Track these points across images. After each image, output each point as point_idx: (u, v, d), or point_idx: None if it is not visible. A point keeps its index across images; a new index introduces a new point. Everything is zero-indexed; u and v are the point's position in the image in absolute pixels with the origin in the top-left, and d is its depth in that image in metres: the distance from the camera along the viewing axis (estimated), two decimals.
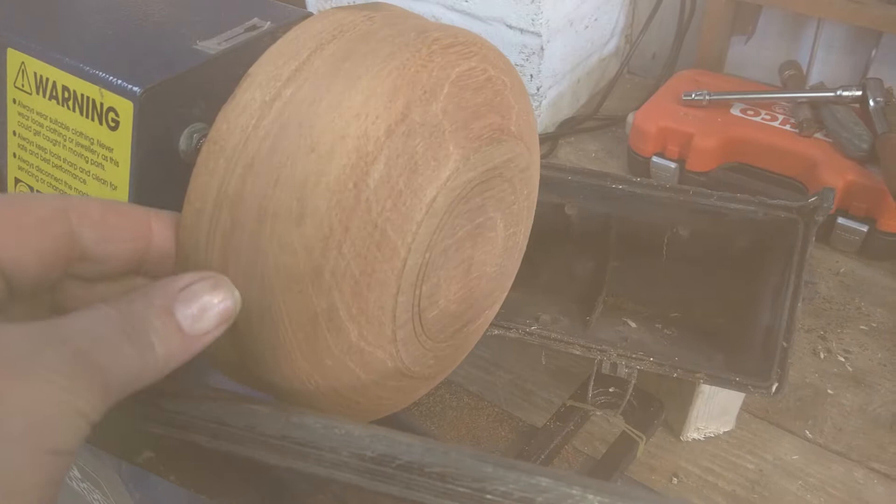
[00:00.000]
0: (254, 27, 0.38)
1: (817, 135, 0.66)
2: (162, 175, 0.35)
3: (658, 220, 0.52)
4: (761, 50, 0.83)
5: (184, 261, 0.26)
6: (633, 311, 0.54)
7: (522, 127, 0.32)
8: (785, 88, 0.74)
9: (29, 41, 0.37)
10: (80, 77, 0.35)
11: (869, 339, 0.57)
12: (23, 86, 0.38)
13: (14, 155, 0.40)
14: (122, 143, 0.35)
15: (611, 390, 0.48)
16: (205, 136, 0.36)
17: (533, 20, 0.73)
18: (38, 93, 0.37)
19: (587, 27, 0.82)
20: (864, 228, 0.62)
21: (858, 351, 0.56)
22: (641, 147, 0.72)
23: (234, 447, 0.26)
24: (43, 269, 0.24)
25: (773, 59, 0.80)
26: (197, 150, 0.36)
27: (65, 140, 0.37)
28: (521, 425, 0.52)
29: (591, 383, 0.47)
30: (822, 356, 0.56)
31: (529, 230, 0.37)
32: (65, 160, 0.37)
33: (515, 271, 0.37)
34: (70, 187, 0.38)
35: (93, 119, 0.35)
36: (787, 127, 0.68)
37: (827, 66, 0.80)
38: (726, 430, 0.51)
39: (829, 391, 0.54)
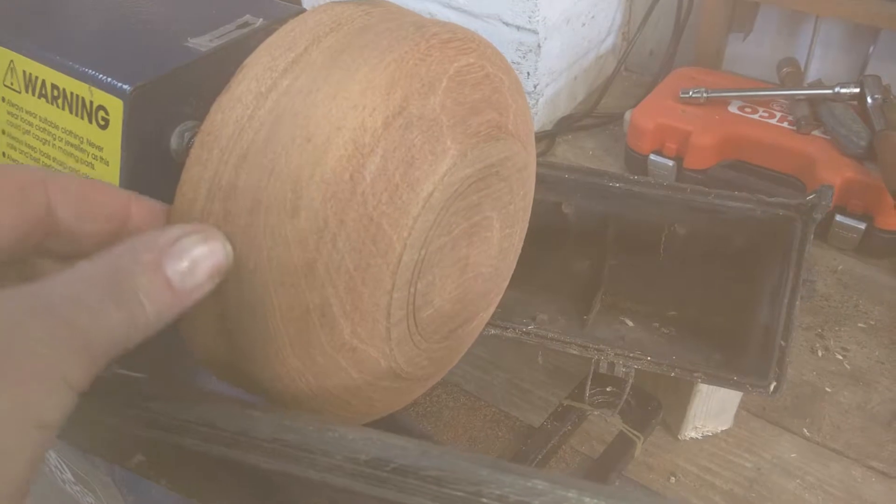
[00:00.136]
0: (246, 24, 0.37)
1: (815, 132, 0.66)
2: (153, 174, 0.35)
3: (655, 219, 0.52)
4: (759, 47, 0.83)
5: None
6: (630, 309, 0.54)
7: (520, 126, 0.32)
8: (783, 86, 0.73)
9: (18, 39, 0.37)
10: (70, 75, 0.35)
11: (867, 337, 0.57)
12: (12, 84, 0.37)
13: (3, 154, 0.39)
14: (112, 141, 0.34)
15: (608, 389, 0.47)
16: (195, 134, 0.35)
17: (530, 17, 0.73)
18: (27, 91, 0.37)
19: (584, 24, 0.81)
20: (862, 226, 0.62)
21: (856, 349, 0.56)
22: (639, 145, 0.71)
23: (226, 451, 0.26)
24: (17, 240, 0.23)
25: (770, 56, 0.80)
26: (188, 149, 0.35)
27: (54, 139, 0.37)
28: (518, 425, 0.52)
29: (589, 383, 0.47)
30: (820, 354, 0.56)
31: (525, 232, 0.37)
32: (54, 159, 0.37)
33: (510, 273, 0.37)
34: None
35: (82, 117, 0.35)
36: (785, 124, 0.67)
37: (825, 63, 0.80)
38: (724, 428, 0.51)
39: (828, 389, 0.54)
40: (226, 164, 0.25)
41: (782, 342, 0.43)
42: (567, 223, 0.54)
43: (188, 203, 0.25)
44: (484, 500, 0.22)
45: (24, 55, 0.36)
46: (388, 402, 0.31)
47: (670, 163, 0.70)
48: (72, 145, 0.36)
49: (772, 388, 0.42)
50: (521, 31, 0.75)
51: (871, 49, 0.75)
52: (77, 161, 0.36)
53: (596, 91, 0.86)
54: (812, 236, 0.46)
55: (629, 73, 0.91)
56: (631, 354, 0.46)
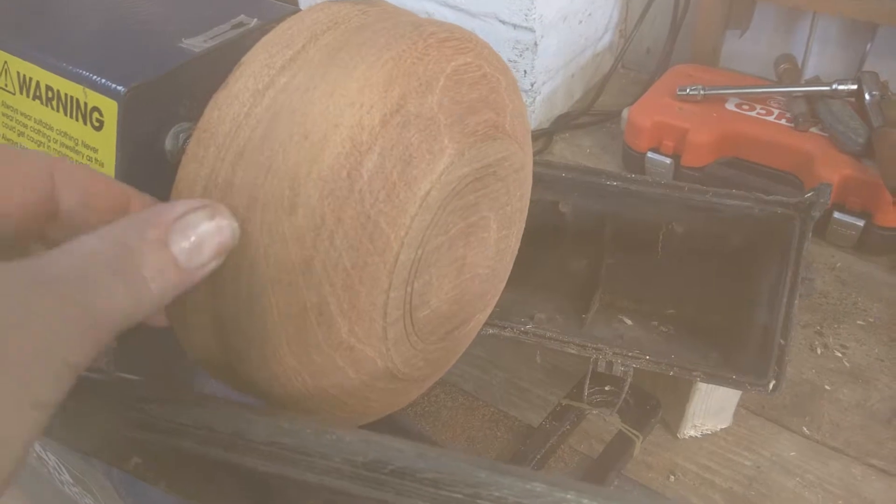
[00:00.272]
0: (240, 24, 0.37)
1: (813, 129, 0.66)
2: (148, 175, 0.35)
3: (653, 217, 0.52)
4: (756, 44, 0.83)
5: None
6: (628, 308, 0.54)
7: (517, 126, 0.32)
8: (780, 83, 0.73)
9: (11, 40, 0.37)
10: (64, 76, 0.35)
11: (866, 335, 0.57)
12: (6, 85, 0.37)
13: None
14: (106, 143, 0.34)
15: (607, 388, 0.47)
16: (191, 135, 0.35)
17: (526, 15, 0.72)
18: (21, 93, 0.37)
19: (581, 22, 0.81)
20: (861, 223, 0.62)
21: (856, 346, 0.56)
22: (636, 142, 0.71)
23: (224, 453, 0.25)
24: (21, 223, 0.23)
25: (768, 53, 0.80)
26: (183, 150, 0.35)
27: (49, 140, 0.37)
28: (516, 425, 0.52)
29: (587, 382, 0.47)
30: (818, 352, 0.56)
31: (521, 233, 0.37)
32: None
33: (507, 275, 0.37)
34: None
35: (77, 119, 0.35)
36: (783, 121, 0.67)
37: (822, 60, 0.80)
38: (723, 426, 0.51)
39: (827, 387, 0.53)
40: (222, 162, 0.24)
41: (781, 340, 0.43)
42: (564, 222, 0.54)
43: None
44: (482, 502, 0.22)
45: (17, 56, 0.36)
46: (384, 403, 0.31)
47: (668, 160, 0.70)
48: (66, 147, 0.36)
49: (771, 386, 0.42)
50: (517, 29, 0.74)
51: (869, 46, 0.74)
52: None
53: (593, 89, 0.86)
54: (810, 234, 0.46)
55: (626, 70, 0.91)
56: (629, 353, 0.46)
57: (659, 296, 0.53)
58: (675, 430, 0.51)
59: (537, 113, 0.80)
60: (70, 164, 0.25)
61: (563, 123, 0.82)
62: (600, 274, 0.54)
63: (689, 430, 0.51)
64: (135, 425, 0.27)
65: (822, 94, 0.67)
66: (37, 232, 0.24)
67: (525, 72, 0.77)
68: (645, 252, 0.53)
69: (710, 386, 0.47)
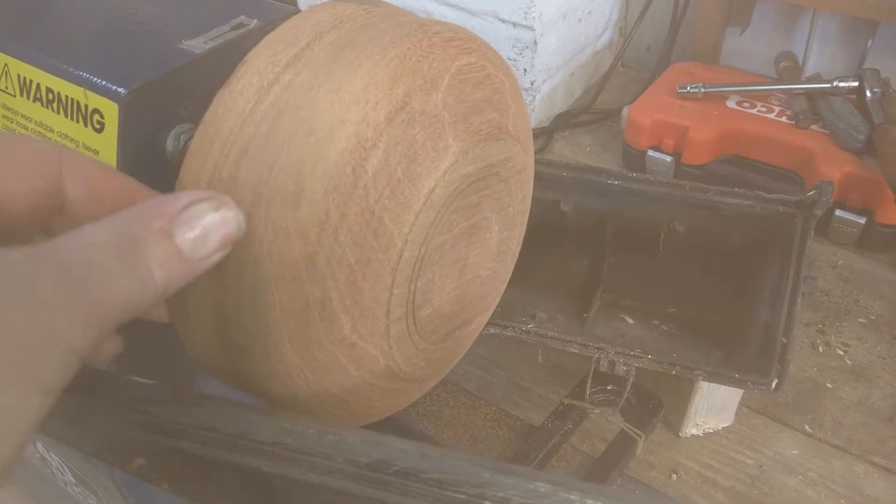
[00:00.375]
0: (240, 25, 0.37)
1: (814, 126, 0.66)
2: (149, 176, 0.34)
3: (654, 216, 0.52)
4: (756, 41, 0.83)
5: None
6: (630, 307, 0.54)
7: (519, 128, 0.32)
8: (781, 80, 0.73)
9: (12, 43, 0.37)
10: (64, 78, 0.35)
11: (868, 332, 0.57)
12: (6, 88, 0.37)
13: None
14: (107, 145, 0.34)
15: (609, 388, 0.47)
16: (191, 137, 0.35)
17: (526, 14, 0.72)
18: (22, 95, 0.37)
19: (580, 20, 0.81)
20: (862, 221, 0.62)
21: (857, 344, 0.56)
22: (637, 141, 0.71)
23: (226, 454, 0.25)
24: (28, 211, 0.23)
25: (768, 50, 0.80)
26: (184, 152, 0.35)
27: None
28: (518, 424, 0.52)
29: (589, 381, 0.47)
30: (820, 350, 0.56)
31: (523, 236, 0.37)
32: None
33: (507, 278, 0.37)
34: None
35: (77, 121, 0.35)
36: (784, 119, 0.67)
37: (823, 58, 0.80)
38: (725, 425, 0.51)
39: (829, 385, 0.53)
40: (227, 157, 0.25)
41: (783, 339, 0.43)
42: (565, 221, 0.54)
43: None
44: (486, 502, 0.22)
45: (18, 59, 0.36)
46: (385, 402, 0.31)
47: (668, 158, 0.70)
48: None
49: (773, 385, 0.42)
50: (517, 27, 0.74)
51: (870, 43, 0.74)
52: None
53: (593, 87, 0.86)
54: (812, 232, 0.46)
55: (626, 68, 0.90)
56: (631, 353, 0.46)
57: (660, 295, 0.53)
58: (677, 428, 0.51)
59: (537, 111, 0.80)
60: (78, 155, 0.25)
61: (563, 122, 0.82)
62: (601, 273, 0.54)
63: (691, 429, 0.51)
64: (138, 426, 0.27)
65: (823, 92, 0.67)
66: (42, 222, 0.24)
67: (525, 70, 0.77)
68: (646, 251, 0.53)
69: (712, 385, 0.47)
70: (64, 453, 0.55)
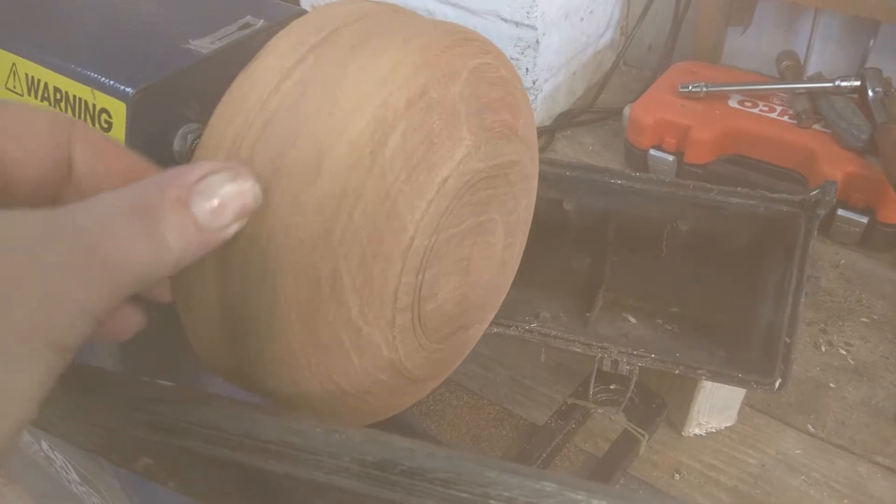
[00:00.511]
0: (247, 25, 0.37)
1: (816, 126, 0.66)
2: None
3: (657, 215, 0.52)
4: (758, 41, 0.83)
5: None
6: (633, 306, 0.54)
7: (528, 135, 0.33)
8: (783, 79, 0.73)
9: (20, 42, 0.37)
10: (72, 78, 0.35)
11: (870, 332, 0.57)
12: (14, 87, 0.37)
13: None
14: None
15: (612, 387, 0.47)
16: (199, 136, 0.35)
17: (528, 13, 0.72)
18: (29, 94, 0.37)
19: (582, 19, 0.81)
20: (864, 220, 0.62)
21: (860, 343, 0.56)
22: (638, 140, 0.71)
23: (232, 453, 0.26)
24: (40, 180, 0.23)
25: (770, 49, 0.80)
26: (191, 151, 0.35)
27: None
28: (521, 423, 0.52)
29: (593, 381, 0.47)
30: (823, 349, 0.56)
31: (523, 248, 0.37)
32: None
33: (506, 289, 0.38)
34: None
35: (85, 120, 0.35)
36: (786, 118, 0.67)
37: (825, 57, 0.80)
38: (728, 425, 0.51)
39: (831, 385, 0.54)
40: (248, 129, 0.25)
41: (787, 339, 0.43)
42: (568, 220, 0.54)
43: None
44: (492, 501, 0.22)
45: (26, 58, 0.36)
46: (381, 400, 0.31)
47: (670, 158, 0.70)
48: None
49: (777, 385, 0.42)
50: (519, 26, 0.74)
51: (872, 42, 0.74)
52: None
53: (595, 86, 0.86)
54: (816, 232, 0.46)
55: (628, 67, 0.91)
56: (635, 352, 0.46)
57: (663, 294, 0.53)
58: (680, 428, 0.51)
59: (539, 110, 0.81)
60: (88, 127, 0.25)
61: (565, 121, 0.82)
62: (604, 272, 0.54)
63: (694, 429, 0.51)
64: (143, 425, 0.27)
65: (824, 91, 0.67)
66: (51, 194, 0.24)
67: (527, 69, 0.77)
68: (649, 250, 0.53)
69: (715, 384, 0.47)
70: (69, 452, 0.55)
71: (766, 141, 0.66)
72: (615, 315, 0.54)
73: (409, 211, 0.26)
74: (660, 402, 0.48)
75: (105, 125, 0.34)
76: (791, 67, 0.74)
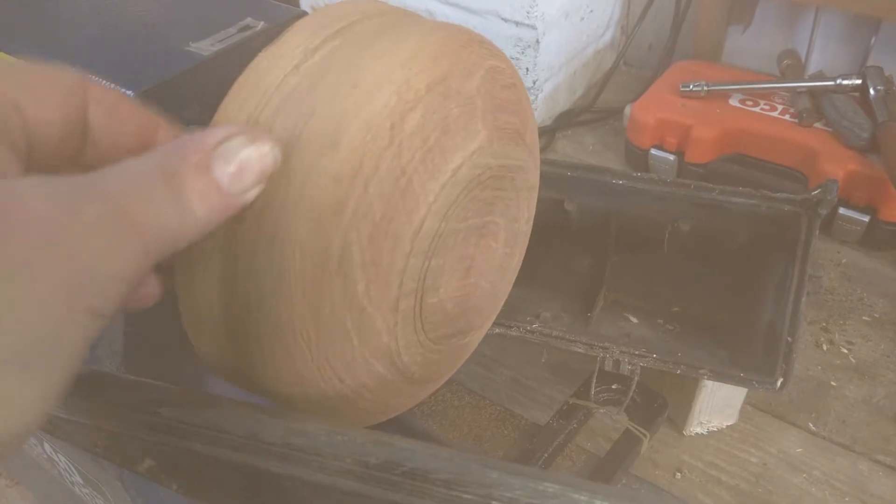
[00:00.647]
0: (247, 27, 0.37)
1: (817, 124, 0.66)
2: None
3: (658, 215, 0.52)
4: (759, 39, 0.83)
5: None
6: (634, 306, 0.54)
7: (533, 145, 0.34)
8: (784, 78, 0.73)
9: (20, 45, 0.37)
10: None
11: (872, 330, 0.57)
12: None
13: None
14: None
15: (613, 387, 0.47)
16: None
17: (528, 12, 0.72)
18: None
19: (583, 19, 0.81)
20: (866, 219, 0.62)
21: (861, 342, 0.56)
22: (639, 139, 0.71)
23: (236, 455, 0.26)
24: (60, 139, 0.23)
25: (771, 48, 0.80)
26: None
27: None
28: (523, 423, 0.52)
29: (594, 380, 0.47)
30: (824, 348, 0.56)
31: (521, 260, 0.37)
32: None
33: (504, 299, 0.38)
34: None
35: None
36: (787, 117, 0.67)
37: (826, 55, 0.80)
38: (729, 423, 0.51)
39: (833, 383, 0.54)
40: (266, 104, 0.25)
41: (788, 338, 0.43)
42: (569, 220, 0.54)
43: None
44: (494, 502, 0.22)
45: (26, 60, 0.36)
46: (376, 396, 0.31)
47: (671, 157, 0.70)
48: None
49: (779, 384, 0.42)
50: (519, 26, 0.74)
51: (873, 40, 0.74)
52: None
53: (595, 86, 0.86)
54: (817, 231, 0.46)
55: (628, 67, 0.91)
56: (636, 352, 0.46)
57: (664, 294, 0.53)
58: (681, 427, 0.51)
59: (540, 110, 0.81)
60: (99, 83, 0.25)
61: (566, 121, 0.82)
62: (605, 272, 0.55)
63: (695, 428, 0.51)
64: (146, 427, 0.27)
65: (826, 90, 0.67)
66: (70, 154, 0.24)
67: (527, 69, 0.77)
68: (650, 250, 0.53)
69: (717, 383, 0.47)
70: (72, 454, 0.55)
71: (768, 140, 0.66)
72: (616, 315, 0.54)
73: (422, 192, 0.27)
74: (661, 402, 0.48)
75: None
76: (792, 66, 0.74)
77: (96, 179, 0.20)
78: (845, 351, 0.56)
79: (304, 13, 0.34)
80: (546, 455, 0.46)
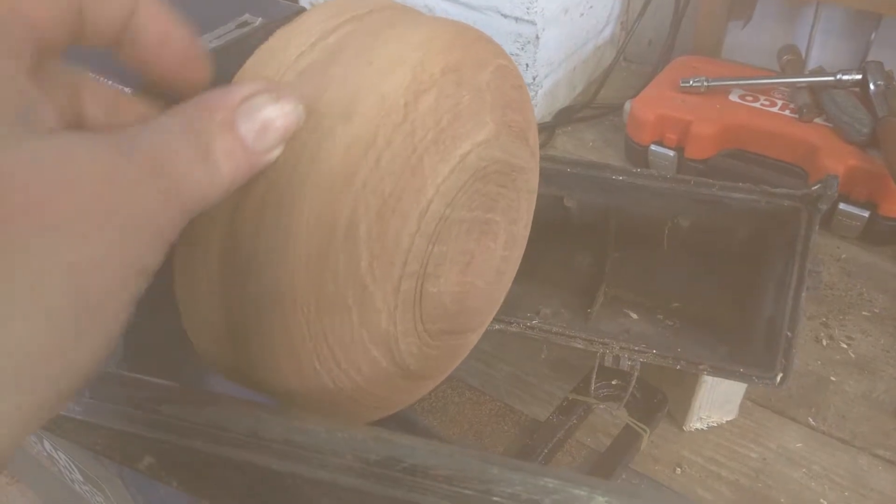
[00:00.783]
0: (245, 23, 0.37)
1: (817, 120, 0.66)
2: None
3: (658, 211, 0.52)
4: (759, 35, 0.83)
5: None
6: (634, 302, 0.54)
7: (535, 148, 0.34)
8: (784, 73, 0.73)
9: None
10: None
11: (871, 326, 0.57)
12: None
13: None
14: None
15: (613, 383, 0.47)
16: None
17: (528, 8, 0.72)
18: None
19: (582, 15, 0.81)
20: (866, 214, 0.62)
21: (861, 337, 0.56)
22: (639, 135, 0.71)
23: (237, 452, 0.26)
24: (67, 35, 0.22)
25: (771, 44, 0.79)
26: None
27: None
28: (523, 419, 0.52)
29: (594, 376, 0.47)
30: (824, 343, 0.56)
31: (518, 264, 0.38)
32: None
33: (500, 301, 0.38)
34: None
35: None
36: (787, 112, 0.67)
37: (826, 51, 0.80)
38: (729, 419, 0.51)
39: (832, 378, 0.54)
40: (282, 77, 0.25)
41: (788, 333, 0.43)
42: (569, 217, 0.54)
43: None
44: (495, 498, 0.23)
45: None
46: (369, 385, 0.30)
47: (671, 153, 0.70)
48: None
49: (779, 379, 0.42)
50: (518, 22, 0.74)
51: (873, 35, 0.74)
52: None
53: (595, 82, 0.86)
54: (817, 226, 0.46)
55: (628, 63, 0.90)
56: (636, 348, 0.46)
57: (664, 290, 0.53)
58: (681, 422, 0.51)
59: (539, 107, 0.80)
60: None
61: (566, 117, 0.82)
62: (605, 268, 0.55)
63: (695, 423, 0.51)
64: (147, 425, 0.27)
65: (826, 85, 0.67)
66: (118, 36, 0.24)
67: (527, 65, 0.77)
68: (650, 246, 0.53)
69: (716, 379, 0.47)
70: (72, 451, 0.55)
71: (768, 135, 0.66)
72: (616, 311, 0.54)
73: (431, 172, 0.27)
74: (661, 398, 0.48)
75: None
76: (792, 61, 0.74)
77: (131, 137, 0.20)
78: (845, 346, 0.56)
79: (303, 9, 0.34)
80: (546, 451, 0.47)
